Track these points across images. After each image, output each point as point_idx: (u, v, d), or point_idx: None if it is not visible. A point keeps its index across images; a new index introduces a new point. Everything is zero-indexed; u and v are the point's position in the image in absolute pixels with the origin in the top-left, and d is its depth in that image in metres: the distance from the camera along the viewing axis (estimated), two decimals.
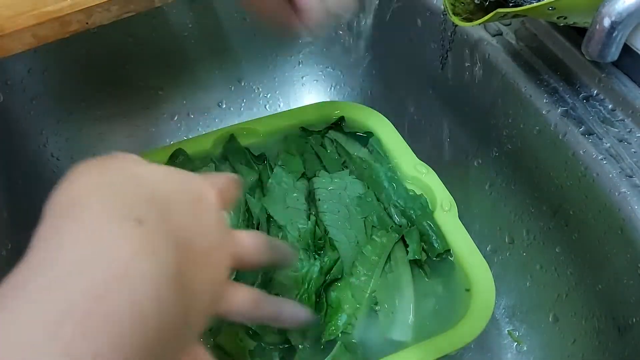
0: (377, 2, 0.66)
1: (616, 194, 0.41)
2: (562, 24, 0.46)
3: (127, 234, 0.20)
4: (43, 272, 0.18)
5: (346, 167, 0.58)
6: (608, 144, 0.44)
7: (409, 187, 0.56)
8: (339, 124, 0.62)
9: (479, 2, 0.48)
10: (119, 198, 0.22)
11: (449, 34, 0.57)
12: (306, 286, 0.48)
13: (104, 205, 0.21)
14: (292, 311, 0.31)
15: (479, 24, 0.44)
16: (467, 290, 0.48)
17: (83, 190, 0.22)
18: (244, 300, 0.29)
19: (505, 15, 0.42)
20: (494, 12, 0.42)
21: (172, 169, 0.27)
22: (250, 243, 0.29)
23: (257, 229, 0.53)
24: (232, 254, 0.27)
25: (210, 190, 0.27)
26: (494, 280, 0.48)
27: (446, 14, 0.48)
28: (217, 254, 0.26)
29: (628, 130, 0.44)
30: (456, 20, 0.46)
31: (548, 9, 0.39)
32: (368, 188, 0.55)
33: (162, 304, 0.20)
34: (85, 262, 0.19)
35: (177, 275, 0.21)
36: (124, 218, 0.21)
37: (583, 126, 0.45)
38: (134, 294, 0.19)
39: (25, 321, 0.17)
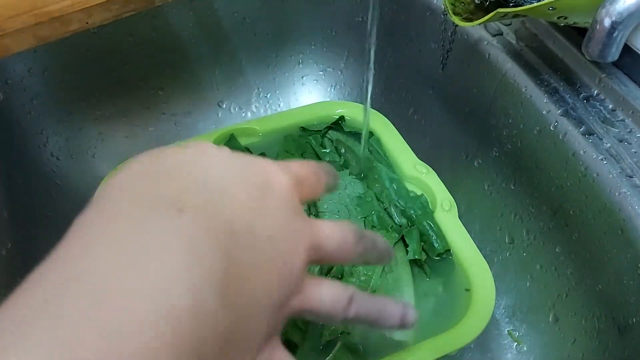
0: (377, 2, 0.66)
1: (616, 194, 0.41)
2: (562, 24, 0.46)
3: (164, 225, 0.18)
4: (61, 271, 0.17)
5: (346, 167, 0.58)
6: (608, 144, 0.44)
7: (409, 187, 0.56)
8: (339, 124, 0.62)
9: (479, 2, 0.48)
10: (160, 187, 0.19)
11: (449, 34, 0.57)
12: None
13: (141, 194, 0.19)
14: (398, 311, 0.26)
15: (479, 24, 0.44)
16: (467, 290, 0.48)
17: (124, 180, 0.20)
18: (331, 297, 0.25)
19: (505, 15, 0.42)
20: (494, 12, 0.42)
21: (242, 155, 0.24)
22: (333, 234, 0.25)
23: None
24: (308, 247, 0.24)
25: (283, 177, 0.24)
26: (494, 280, 0.48)
27: (446, 14, 0.48)
28: (286, 244, 0.22)
29: (628, 130, 0.44)
30: (456, 20, 0.46)
31: (548, 9, 0.39)
32: (368, 188, 0.55)
33: (203, 307, 0.17)
34: (109, 260, 0.17)
35: (225, 270, 0.18)
36: (162, 208, 0.18)
37: (583, 126, 0.45)
38: (166, 298, 0.16)
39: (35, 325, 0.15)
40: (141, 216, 0.18)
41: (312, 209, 0.54)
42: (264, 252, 0.21)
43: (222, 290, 0.18)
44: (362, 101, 0.71)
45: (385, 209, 0.54)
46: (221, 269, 0.18)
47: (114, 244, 0.17)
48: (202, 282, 0.17)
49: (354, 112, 0.63)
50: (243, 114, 0.71)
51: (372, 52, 0.51)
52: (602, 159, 0.43)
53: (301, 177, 0.25)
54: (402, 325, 0.26)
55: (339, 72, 0.72)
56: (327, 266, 0.49)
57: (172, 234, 0.18)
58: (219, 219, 0.19)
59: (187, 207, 0.19)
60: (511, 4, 0.46)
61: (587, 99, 0.47)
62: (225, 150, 0.24)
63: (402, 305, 0.26)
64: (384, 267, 0.49)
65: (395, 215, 0.54)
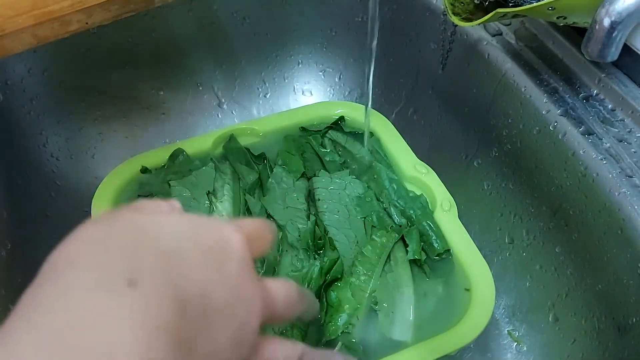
0: (377, 2, 0.66)
1: (616, 194, 0.41)
2: (561, 24, 0.46)
3: (115, 299, 0.17)
4: (12, 346, 0.16)
5: (346, 167, 0.58)
6: (608, 144, 0.44)
7: (409, 187, 0.56)
8: (339, 124, 0.62)
9: (478, 2, 0.48)
10: (113, 257, 0.19)
11: (449, 34, 0.57)
12: (306, 286, 0.48)
13: (92, 265, 0.18)
14: None
15: (479, 24, 0.44)
16: (467, 290, 0.48)
17: (76, 248, 0.19)
18: (284, 357, 0.25)
19: (505, 15, 0.42)
20: (494, 12, 0.42)
21: (194, 217, 0.24)
22: (280, 295, 0.26)
23: None
24: (262, 309, 0.24)
25: (235, 236, 0.24)
26: (494, 280, 0.48)
27: (446, 14, 0.48)
28: (242, 307, 0.22)
29: (628, 130, 0.44)
30: (456, 20, 0.46)
31: (548, 9, 0.39)
32: (368, 188, 0.55)
33: None
34: (57, 337, 0.16)
35: (178, 344, 0.18)
36: (113, 280, 0.18)
37: (583, 126, 0.45)
38: None
39: None
40: (90, 293, 0.18)
41: (312, 209, 0.54)
42: (219, 320, 0.21)
43: (177, 356, 0.18)
44: (362, 101, 0.71)
45: (385, 209, 0.54)
46: (174, 343, 0.18)
47: (60, 323, 0.17)
48: (158, 352, 0.17)
49: (354, 112, 0.63)
50: (243, 114, 0.71)
51: (372, 53, 0.51)
52: (601, 159, 0.43)
53: (252, 234, 0.25)
54: None
55: (339, 72, 0.72)
56: (327, 267, 0.49)
57: (122, 310, 0.17)
58: (171, 289, 0.19)
59: (138, 280, 0.18)
60: (510, 4, 0.46)
61: (586, 99, 0.47)
62: (176, 212, 0.24)
63: (340, 355, 0.29)
64: (384, 267, 0.49)
65: (395, 215, 0.54)
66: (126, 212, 0.22)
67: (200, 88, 0.68)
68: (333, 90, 0.73)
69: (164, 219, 0.22)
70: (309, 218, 0.53)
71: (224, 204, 0.54)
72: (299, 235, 0.51)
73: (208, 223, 0.24)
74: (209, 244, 0.22)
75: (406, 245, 0.51)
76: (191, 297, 0.20)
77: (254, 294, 0.24)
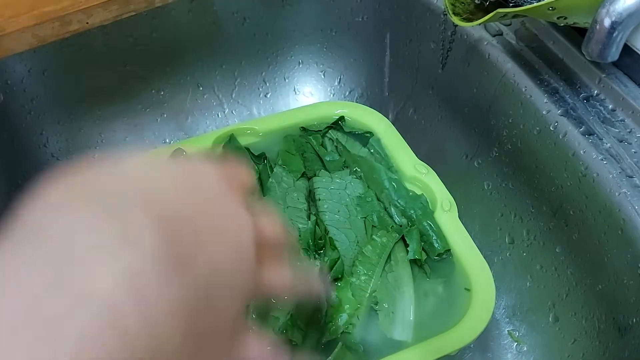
0: (377, 2, 0.66)
1: (616, 194, 0.41)
2: (562, 24, 0.46)
3: (91, 217, 0.17)
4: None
5: (346, 167, 0.58)
6: (608, 144, 0.44)
7: (409, 187, 0.56)
8: (339, 124, 0.62)
9: (479, 2, 0.48)
10: (89, 187, 0.19)
11: (449, 34, 0.57)
12: None
13: (69, 193, 0.18)
14: None
15: (479, 24, 0.44)
16: (467, 290, 0.48)
17: (50, 193, 0.19)
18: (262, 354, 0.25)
19: (505, 15, 0.42)
20: (494, 12, 0.42)
21: (174, 158, 0.24)
22: (269, 221, 0.25)
23: None
24: (253, 228, 0.23)
25: (207, 166, 0.24)
26: (494, 280, 0.48)
27: (446, 14, 0.48)
28: (233, 225, 0.22)
29: (628, 130, 0.44)
30: (456, 20, 0.46)
31: (548, 9, 0.39)
32: (368, 188, 0.55)
33: (148, 292, 0.16)
34: (47, 264, 0.16)
35: (177, 258, 0.18)
36: (91, 202, 0.17)
37: (583, 126, 0.45)
38: (108, 298, 0.15)
39: None
40: (69, 213, 0.17)
41: (313, 209, 0.54)
42: (212, 237, 0.20)
43: (170, 272, 0.17)
44: (362, 101, 0.71)
45: (385, 209, 0.54)
46: (169, 259, 0.17)
47: (52, 251, 0.16)
48: (143, 265, 0.16)
49: (354, 112, 0.63)
50: (243, 114, 0.71)
51: (371, 53, 0.51)
52: (602, 159, 0.43)
53: (232, 173, 0.25)
54: None
55: (340, 73, 0.72)
56: (328, 265, 0.49)
57: (102, 223, 0.17)
58: (155, 207, 0.18)
59: (119, 200, 0.18)
60: (511, 4, 0.46)
61: (587, 99, 0.47)
62: (154, 156, 0.24)
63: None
64: (384, 267, 0.49)
65: (395, 215, 0.54)
66: (87, 162, 0.21)
67: (200, 88, 0.68)
68: (333, 90, 0.73)
69: (128, 159, 0.22)
70: (309, 218, 0.53)
71: None
72: (299, 235, 0.51)
73: (189, 161, 0.24)
74: (183, 172, 0.23)
75: (406, 245, 0.51)
76: (175, 215, 0.19)
77: (242, 213, 0.23)
